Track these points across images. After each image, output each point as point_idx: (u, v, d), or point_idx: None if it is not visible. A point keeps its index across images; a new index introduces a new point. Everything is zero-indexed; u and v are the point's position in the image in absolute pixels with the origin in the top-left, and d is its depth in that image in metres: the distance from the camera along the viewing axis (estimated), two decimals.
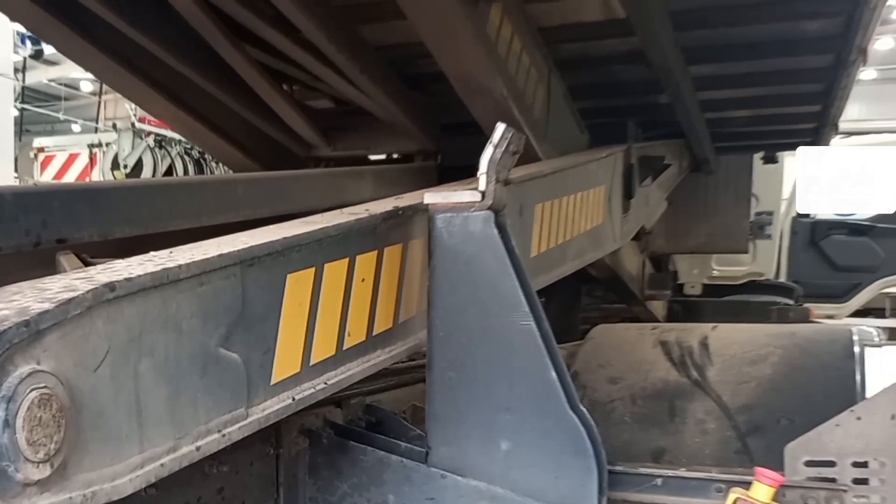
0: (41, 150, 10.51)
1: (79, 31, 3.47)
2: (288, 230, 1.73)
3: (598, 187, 3.83)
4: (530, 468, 1.95)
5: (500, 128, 2.02)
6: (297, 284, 1.69)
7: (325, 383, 1.77)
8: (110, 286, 1.20)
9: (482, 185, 2.00)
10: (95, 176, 10.10)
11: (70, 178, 10.35)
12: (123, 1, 3.36)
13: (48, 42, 3.87)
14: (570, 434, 1.93)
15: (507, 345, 1.96)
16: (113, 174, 9.39)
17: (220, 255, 1.46)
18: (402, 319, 2.10)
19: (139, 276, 1.27)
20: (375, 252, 1.98)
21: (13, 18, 3.66)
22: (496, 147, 2.02)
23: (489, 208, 1.99)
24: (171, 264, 1.35)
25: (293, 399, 1.66)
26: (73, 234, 2.33)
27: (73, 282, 1.21)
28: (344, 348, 1.85)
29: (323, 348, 1.78)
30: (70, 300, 1.13)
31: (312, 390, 1.73)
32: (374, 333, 1.98)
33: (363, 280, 1.93)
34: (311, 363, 1.74)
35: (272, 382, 1.61)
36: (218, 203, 2.92)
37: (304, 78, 4.14)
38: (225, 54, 3.65)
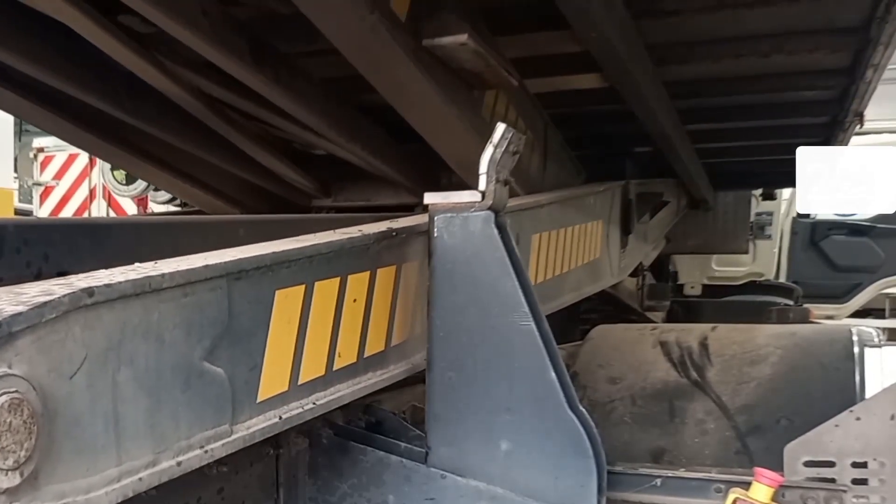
0: (41, 150, 10.43)
1: (69, 118, 3.50)
2: (278, 246, 1.70)
3: (596, 221, 3.85)
4: (530, 468, 1.94)
5: (500, 128, 2.01)
6: (286, 301, 1.65)
7: (314, 403, 1.73)
8: (88, 291, 1.17)
9: (482, 184, 2.00)
10: (95, 176, 10.04)
11: (70, 178, 10.28)
12: (125, 98, 3.37)
13: (40, 127, 3.88)
14: (569, 434, 1.93)
15: (507, 345, 1.96)
16: (113, 174, 9.36)
17: (206, 267, 1.43)
18: (395, 343, 2.07)
19: (119, 282, 1.23)
20: (368, 273, 1.96)
21: (5, 111, 3.65)
22: (496, 147, 2.01)
23: (489, 208, 1.99)
24: (153, 273, 1.32)
25: (280, 418, 1.62)
26: (74, 268, 2.30)
27: (50, 287, 1.19)
28: (334, 369, 1.82)
29: (312, 368, 1.74)
30: (45, 304, 1.10)
31: (300, 410, 1.69)
32: (366, 355, 1.95)
33: (355, 300, 1.89)
34: (300, 382, 1.70)
35: (258, 400, 1.57)
36: (218, 243, 2.89)
37: (304, 143, 4.14)
38: (223, 132, 3.64)
